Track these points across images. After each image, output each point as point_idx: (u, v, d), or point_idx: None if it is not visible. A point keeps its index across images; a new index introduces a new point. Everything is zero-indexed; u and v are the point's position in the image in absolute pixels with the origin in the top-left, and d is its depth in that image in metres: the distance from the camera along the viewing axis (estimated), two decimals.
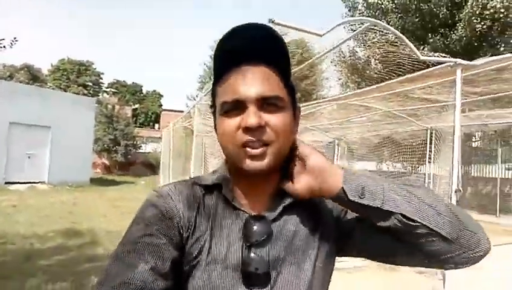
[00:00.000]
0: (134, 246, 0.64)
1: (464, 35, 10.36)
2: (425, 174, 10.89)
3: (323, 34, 3.67)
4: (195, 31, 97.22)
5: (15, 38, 7.20)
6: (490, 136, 10.60)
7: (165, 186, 0.75)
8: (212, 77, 0.77)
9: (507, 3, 9.96)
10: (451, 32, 10.90)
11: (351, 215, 0.80)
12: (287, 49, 0.72)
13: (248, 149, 0.67)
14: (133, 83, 49.00)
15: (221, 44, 0.69)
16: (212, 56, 0.74)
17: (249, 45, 0.68)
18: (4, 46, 7.08)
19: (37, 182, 13.73)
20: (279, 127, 0.68)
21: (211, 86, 0.77)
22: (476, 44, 10.28)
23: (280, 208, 0.74)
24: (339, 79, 15.14)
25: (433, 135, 10.46)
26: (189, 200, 0.72)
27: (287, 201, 0.75)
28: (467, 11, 10.22)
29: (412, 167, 12.96)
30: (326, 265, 0.77)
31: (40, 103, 13.66)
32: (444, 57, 4.55)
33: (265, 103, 0.68)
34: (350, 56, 14.15)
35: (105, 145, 22.73)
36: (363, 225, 0.77)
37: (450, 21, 11.36)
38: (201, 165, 9.02)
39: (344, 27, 12.59)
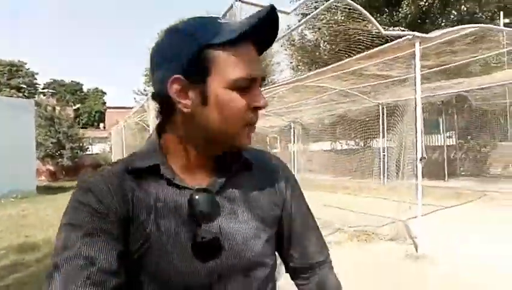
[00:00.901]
0: (74, 251, 0.59)
1: (408, 12, 10.83)
2: (379, 148, 11.36)
3: (291, 12, 3.58)
4: (136, 22, 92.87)
5: None
6: (438, 107, 11.28)
7: (90, 179, 0.67)
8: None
9: None
10: (396, 11, 11.36)
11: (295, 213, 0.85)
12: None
13: (251, 128, 0.68)
14: (72, 81, 46.07)
15: (256, 14, 0.64)
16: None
17: (271, 29, 0.67)
18: None
19: None
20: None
21: (188, 42, 0.64)
22: (419, 21, 10.81)
23: (223, 180, 0.73)
24: (290, 62, 15.26)
25: (385, 110, 10.93)
26: (122, 189, 0.66)
27: (230, 172, 0.74)
28: None
29: (364, 143, 13.49)
30: (271, 238, 0.78)
31: None
32: (403, 30, 4.66)
33: (260, 85, 0.68)
34: (300, 39, 14.30)
35: (48, 150, 21.11)
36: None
37: (394, 0, 11.81)
38: None
39: (296, 14, 12.64)
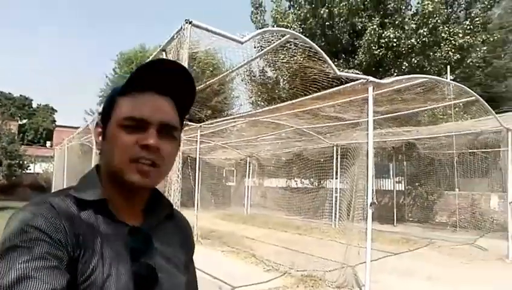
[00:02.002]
0: (22, 272, 0.57)
1: (363, 60, 11.32)
2: (332, 189, 11.38)
3: (245, 42, 3.42)
4: (95, 42, 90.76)
5: None
6: (389, 152, 11.62)
7: (38, 204, 0.68)
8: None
9: (398, 34, 11.24)
10: (353, 58, 11.85)
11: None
12: (195, 91, 0.82)
13: (138, 165, 0.72)
14: (21, 95, 43.45)
15: (147, 65, 0.74)
16: (134, 68, 0.76)
17: (165, 79, 0.75)
18: None
19: None
20: (169, 154, 0.76)
21: (110, 94, 0.80)
22: (373, 69, 11.32)
23: (155, 221, 0.81)
24: (250, 97, 15.28)
25: (339, 151, 11.08)
26: (71, 218, 0.68)
27: (161, 215, 0.83)
28: (366, 38, 11.24)
29: (318, 182, 13.54)
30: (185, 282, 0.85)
31: None
32: (357, 74, 4.68)
33: (165, 130, 0.75)
34: (260, 76, 14.44)
35: None
36: None
37: (351, 48, 12.36)
38: None
39: (254, 46, 12.70)
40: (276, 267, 5.91)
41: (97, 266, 0.66)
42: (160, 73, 0.74)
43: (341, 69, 4.68)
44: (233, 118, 9.67)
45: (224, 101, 17.99)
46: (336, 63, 11.93)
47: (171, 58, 3.18)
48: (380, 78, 5.57)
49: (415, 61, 11.25)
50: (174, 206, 0.94)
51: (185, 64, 2.88)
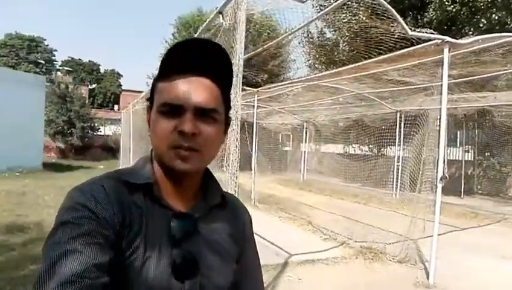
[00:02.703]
0: (71, 246, 0.61)
1: (434, 17, 10.23)
2: (394, 158, 10.86)
3: (306, 0, 3.18)
4: (156, 8, 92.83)
5: None
6: (459, 119, 10.70)
7: (90, 184, 0.72)
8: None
9: None
10: (421, 15, 10.77)
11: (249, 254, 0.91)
12: (230, 64, 0.80)
13: (178, 150, 0.72)
14: (90, 61, 46.29)
15: (178, 47, 0.73)
16: (165, 52, 0.74)
17: (201, 59, 0.73)
18: None
19: None
20: (210, 137, 0.74)
21: (154, 82, 0.79)
22: (445, 27, 10.21)
23: (205, 208, 0.80)
24: (308, 60, 14.74)
25: (403, 118, 10.43)
26: (120, 199, 0.71)
27: (213, 203, 0.82)
28: None
29: (378, 150, 13.00)
30: (234, 271, 0.83)
31: None
32: (432, 33, 4.20)
33: (203, 113, 0.72)
34: (318, 37, 13.78)
35: (59, 128, 21.21)
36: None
37: (420, 4, 11.20)
38: None
39: (312, 6, 11.98)
40: (334, 236, 5.84)
41: (139, 247, 0.69)
42: (190, 54, 0.72)
43: (412, 28, 4.23)
44: (291, 83, 9.41)
45: (281, 64, 17.61)
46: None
47: (228, 21, 3.06)
48: (453, 38, 4.97)
49: (496, 17, 9.89)
50: (229, 192, 0.94)
51: (242, 26, 2.76)
